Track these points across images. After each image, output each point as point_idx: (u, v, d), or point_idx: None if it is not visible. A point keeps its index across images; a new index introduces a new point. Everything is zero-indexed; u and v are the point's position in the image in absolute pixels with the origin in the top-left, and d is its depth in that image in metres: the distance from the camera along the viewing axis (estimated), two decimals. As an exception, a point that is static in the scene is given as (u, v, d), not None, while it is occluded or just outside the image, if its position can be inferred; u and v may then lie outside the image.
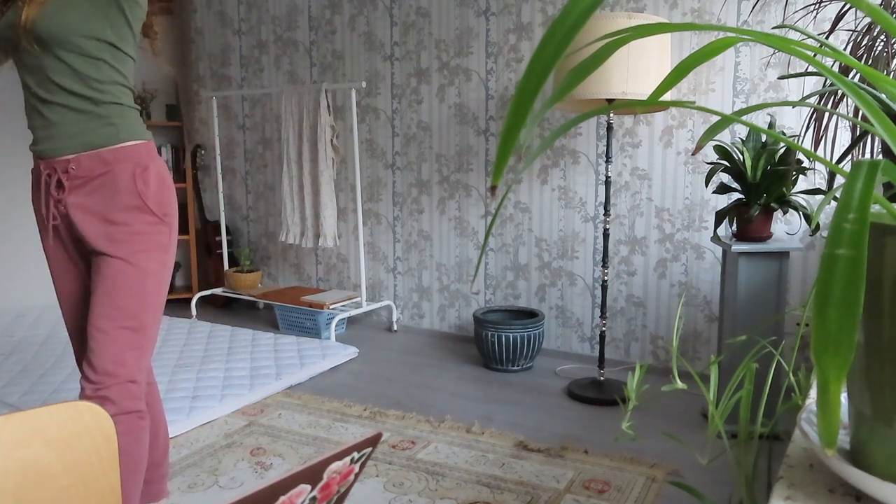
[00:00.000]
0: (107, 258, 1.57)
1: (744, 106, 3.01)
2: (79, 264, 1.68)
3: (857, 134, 1.59)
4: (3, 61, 1.65)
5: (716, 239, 2.59)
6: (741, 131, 2.93)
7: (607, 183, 2.84)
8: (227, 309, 4.55)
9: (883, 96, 0.68)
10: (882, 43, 1.57)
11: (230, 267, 4.49)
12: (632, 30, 0.50)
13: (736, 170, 2.49)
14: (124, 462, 1.57)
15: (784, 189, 2.41)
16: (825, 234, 2.79)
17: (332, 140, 3.83)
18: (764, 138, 2.46)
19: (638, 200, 3.24)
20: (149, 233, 1.60)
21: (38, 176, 1.63)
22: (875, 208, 0.57)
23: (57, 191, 1.59)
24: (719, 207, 3.08)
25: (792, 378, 0.77)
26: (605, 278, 2.90)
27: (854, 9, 2.42)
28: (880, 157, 1.27)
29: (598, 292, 3.39)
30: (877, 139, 1.66)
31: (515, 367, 3.29)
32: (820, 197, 2.75)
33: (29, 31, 1.51)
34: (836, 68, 1.87)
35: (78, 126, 1.57)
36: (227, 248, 4.54)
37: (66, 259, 1.67)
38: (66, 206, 1.59)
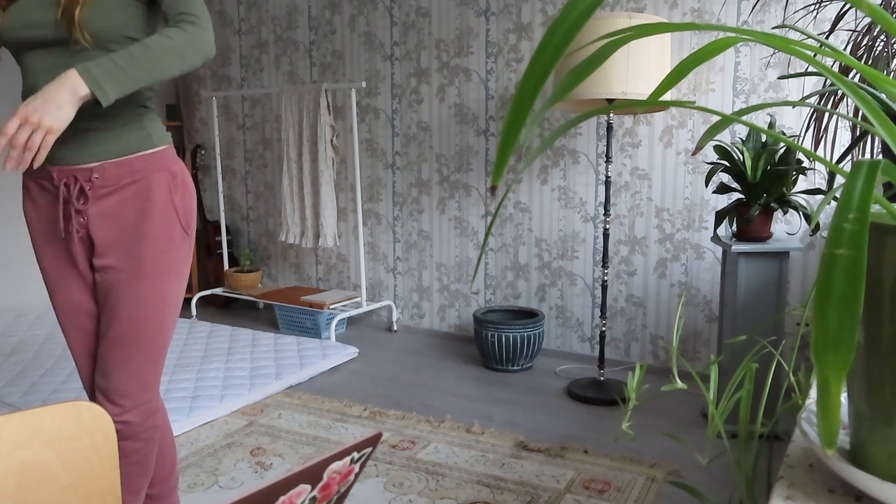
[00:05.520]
0: (128, 278, 1.49)
1: (744, 106, 3.01)
2: (87, 277, 1.56)
3: (857, 134, 1.59)
4: None
5: (716, 239, 2.59)
6: (741, 131, 2.93)
7: (607, 183, 2.84)
8: (227, 309, 4.55)
9: (883, 96, 0.68)
10: (882, 43, 1.58)
11: (230, 267, 4.49)
12: (632, 30, 0.50)
13: (736, 170, 2.49)
14: (136, 470, 1.56)
15: (784, 189, 2.41)
16: (825, 234, 2.79)
17: (332, 140, 3.83)
18: (764, 138, 2.46)
19: (638, 200, 3.24)
20: (175, 249, 1.53)
21: (47, 184, 1.51)
22: (875, 208, 0.57)
23: (79, 201, 1.47)
24: (719, 207, 3.08)
25: (792, 378, 0.77)
26: (605, 278, 2.90)
27: (854, 9, 2.42)
28: (880, 157, 1.27)
29: (598, 292, 3.39)
30: (877, 139, 1.66)
31: (515, 367, 3.29)
32: (820, 197, 2.75)
33: (82, 26, 1.40)
34: (836, 68, 1.87)
35: (106, 132, 1.47)
36: (227, 248, 4.54)
37: (75, 274, 1.55)
38: (87, 217, 1.48)
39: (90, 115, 1.46)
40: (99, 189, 1.48)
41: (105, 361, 1.52)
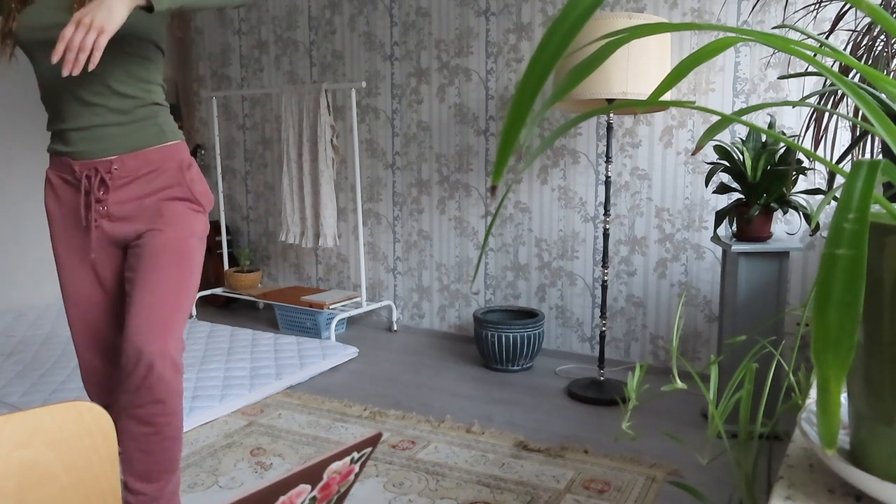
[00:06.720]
0: (154, 232, 1.58)
1: (744, 106, 3.01)
2: (101, 272, 1.65)
3: (857, 134, 1.59)
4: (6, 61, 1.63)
5: (716, 239, 2.59)
6: (741, 131, 2.93)
7: (607, 183, 2.84)
8: (227, 309, 4.55)
9: (883, 96, 0.68)
10: (882, 43, 1.58)
11: (230, 267, 4.49)
12: (632, 30, 0.50)
13: (736, 170, 2.49)
14: (176, 441, 1.56)
15: (784, 189, 2.41)
16: (825, 234, 2.79)
17: (332, 140, 3.83)
18: (764, 138, 2.46)
19: (638, 200, 3.24)
20: (192, 218, 1.63)
21: (69, 177, 1.60)
22: (875, 208, 0.57)
23: (99, 191, 1.58)
24: (719, 207, 3.08)
25: (792, 378, 0.77)
26: (605, 278, 2.90)
27: (854, 9, 2.42)
28: (880, 157, 1.27)
29: (598, 292, 3.39)
30: (877, 139, 1.66)
31: (515, 367, 3.29)
32: (820, 197, 2.75)
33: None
34: (836, 68, 1.87)
35: (122, 128, 1.57)
36: (227, 248, 4.54)
37: (88, 266, 1.64)
38: (107, 206, 1.59)
39: (108, 114, 1.56)
40: (118, 179, 1.58)
41: (139, 309, 1.52)
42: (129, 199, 1.60)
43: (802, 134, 2.56)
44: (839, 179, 2.55)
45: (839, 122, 2.57)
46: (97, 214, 1.59)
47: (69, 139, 1.57)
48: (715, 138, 2.26)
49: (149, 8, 1.40)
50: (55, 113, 1.59)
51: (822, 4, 2.67)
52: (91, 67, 1.34)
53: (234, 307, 4.59)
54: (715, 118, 3.04)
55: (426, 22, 3.72)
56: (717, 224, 2.54)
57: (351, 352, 3.49)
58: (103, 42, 1.33)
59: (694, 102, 0.61)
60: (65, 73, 1.33)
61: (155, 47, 1.61)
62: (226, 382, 3.01)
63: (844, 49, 2.40)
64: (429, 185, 3.83)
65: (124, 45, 1.53)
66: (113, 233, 1.62)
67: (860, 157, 1.70)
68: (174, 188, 1.62)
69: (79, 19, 1.32)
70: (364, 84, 3.77)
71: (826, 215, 2.76)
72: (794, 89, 2.88)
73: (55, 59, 1.32)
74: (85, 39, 1.32)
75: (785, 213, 2.48)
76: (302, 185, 3.94)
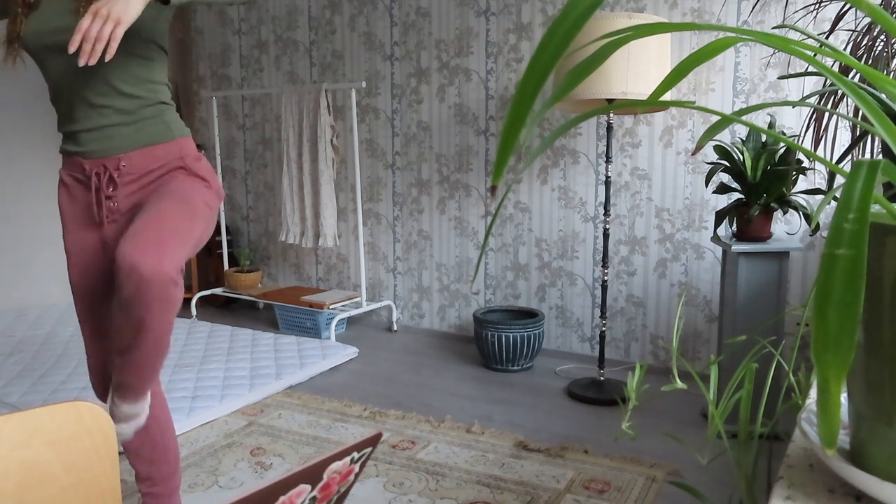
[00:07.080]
0: (159, 189, 1.59)
1: (744, 106, 3.01)
2: (109, 267, 1.68)
3: (857, 134, 1.59)
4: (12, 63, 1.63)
5: (716, 239, 2.59)
6: (741, 131, 2.93)
7: (607, 183, 2.84)
8: (227, 309, 4.55)
9: (883, 96, 0.68)
10: (882, 43, 1.58)
11: (230, 267, 4.49)
12: (632, 30, 0.50)
13: (736, 170, 2.49)
14: (162, 348, 1.49)
15: (784, 189, 2.41)
16: (825, 234, 2.79)
17: (332, 140, 3.83)
18: (764, 138, 2.46)
19: (638, 200, 3.24)
20: (198, 184, 1.63)
21: (80, 175, 1.63)
22: (875, 208, 0.57)
23: (108, 188, 1.61)
24: (719, 207, 3.08)
25: (792, 378, 0.77)
26: (605, 278, 2.90)
27: (854, 9, 2.42)
28: (880, 157, 1.27)
29: (598, 292, 3.39)
30: (877, 139, 1.66)
31: (515, 367, 3.29)
32: (820, 197, 2.75)
33: None
34: (836, 68, 1.87)
35: (129, 127, 1.60)
36: (227, 248, 4.53)
37: (97, 263, 1.66)
38: (117, 202, 1.62)
39: (114, 114, 1.59)
40: (126, 176, 1.61)
41: (142, 239, 1.44)
42: (136, 191, 1.63)
43: (802, 134, 2.56)
44: (839, 179, 2.55)
45: (839, 122, 2.57)
46: (108, 211, 1.62)
47: (79, 140, 1.60)
48: (715, 138, 2.26)
49: (164, 1, 1.41)
50: (65, 115, 1.61)
51: (822, 4, 2.67)
52: (108, 58, 1.34)
53: (234, 307, 4.59)
54: (715, 118, 3.04)
55: (426, 22, 3.72)
56: (717, 224, 2.54)
57: (351, 352, 3.49)
58: (120, 33, 1.34)
59: (694, 102, 0.61)
60: (81, 63, 1.33)
61: (157, 47, 1.63)
62: (226, 382, 3.01)
63: (844, 49, 2.40)
64: (429, 185, 3.83)
65: (127, 45, 1.55)
66: (125, 226, 1.64)
67: (860, 157, 1.71)
68: (179, 170, 1.65)
69: (95, 10, 1.33)
70: (364, 84, 3.77)
71: (826, 215, 2.76)
72: (794, 89, 2.88)
73: (72, 49, 1.32)
74: (102, 30, 1.33)
75: (785, 213, 2.48)
76: (302, 185, 3.94)
